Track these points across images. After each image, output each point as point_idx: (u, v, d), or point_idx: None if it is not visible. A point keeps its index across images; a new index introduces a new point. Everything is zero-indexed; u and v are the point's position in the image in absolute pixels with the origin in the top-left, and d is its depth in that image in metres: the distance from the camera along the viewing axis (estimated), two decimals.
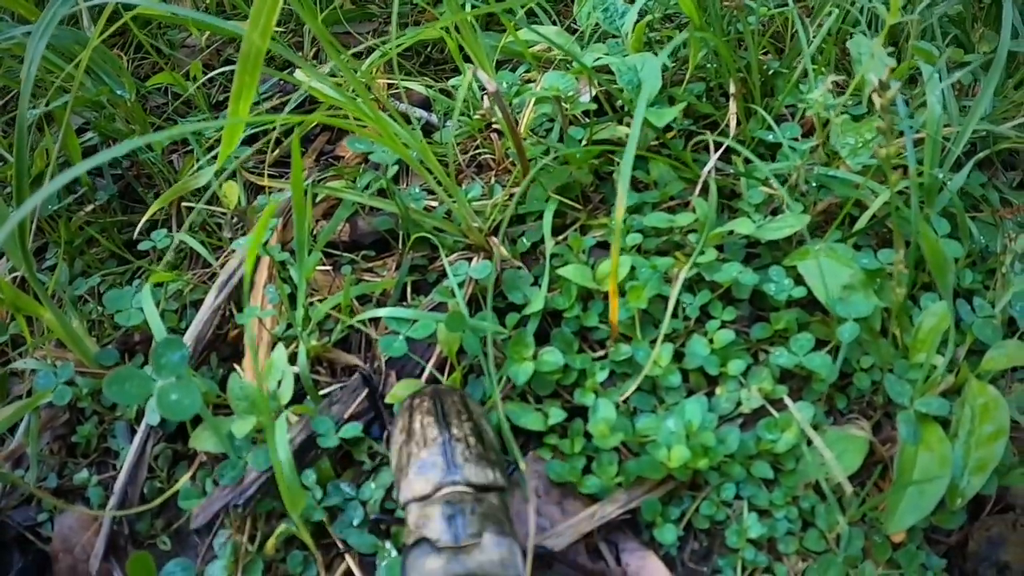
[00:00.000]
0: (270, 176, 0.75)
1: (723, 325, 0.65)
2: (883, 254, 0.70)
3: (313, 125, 0.81)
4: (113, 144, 0.79)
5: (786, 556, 0.60)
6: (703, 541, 0.60)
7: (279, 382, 0.59)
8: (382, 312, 0.59)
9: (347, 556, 0.57)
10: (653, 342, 0.62)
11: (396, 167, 0.71)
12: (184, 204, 0.74)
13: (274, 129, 0.72)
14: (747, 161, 0.76)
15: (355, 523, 0.57)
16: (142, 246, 0.72)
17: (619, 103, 0.79)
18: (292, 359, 0.62)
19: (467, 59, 0.75)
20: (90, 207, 0.78)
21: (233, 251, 0.71)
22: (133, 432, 0.67)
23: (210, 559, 0.60)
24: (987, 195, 0.80)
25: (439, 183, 0.63)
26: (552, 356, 0.59)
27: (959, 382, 0.67)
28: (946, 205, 0.73)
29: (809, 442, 0.61)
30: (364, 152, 0.70)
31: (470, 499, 0.48)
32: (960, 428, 0.63)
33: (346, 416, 0.59)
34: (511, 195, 0.69)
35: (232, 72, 0.85)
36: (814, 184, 0.73)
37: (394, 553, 0.56)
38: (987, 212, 0.79)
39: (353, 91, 0.59)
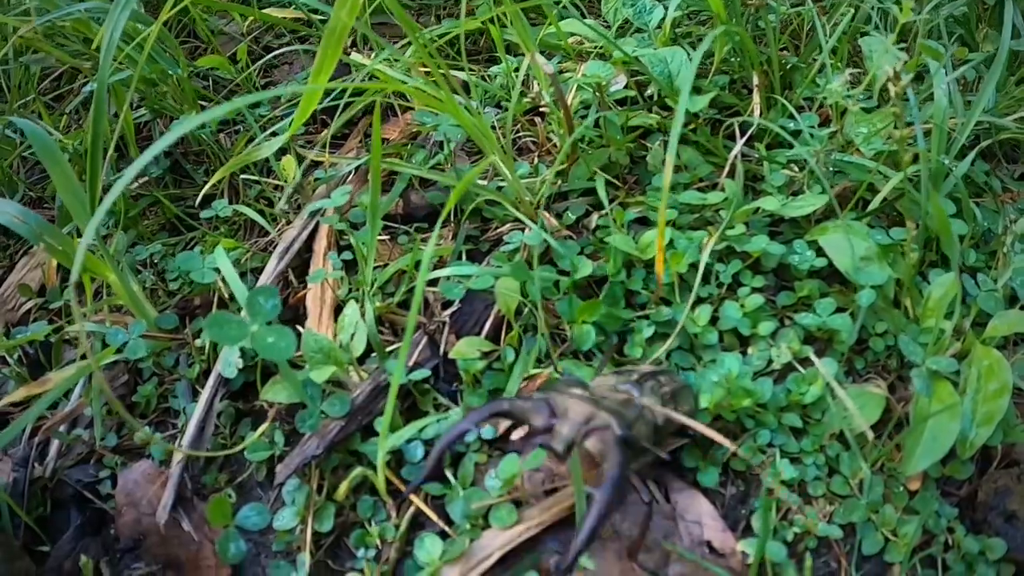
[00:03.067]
0: (320, 154, 0.86)
1: (752, 291, 0.77)
2: (894, 232, 0.83)
3: (357, 109, 0.93)
4: (163, 120, 0.90)
5: (815, 499, 0.72)
6: (741, 486, 0.72)
7: (352, 335, 0.70)
8: (446, 271, 0.70)
9: (416, 499, 0.67)
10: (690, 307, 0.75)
11: (451, 144, 0.83)
12: (241, 177, 0.85)
13: (337, 106, 0.84)
14: (769, 147, 0.89)
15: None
16: (204, 214, 0.82)
17: (649, 93, 0.92)
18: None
19: (507, 50, 0.88)
20: (142, 180, 0.88)
21: (290, 222, 0.82)
22: (195, 392, 0.77)
23: (279, 507, 0.69)
24: (990, 183, 0.95)
25: (494, 155, 0.75)
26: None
27: (965, 348, 0.80)
28: (951, 190, 0.87)
29: (833, 395, 0.73)
30: (422, 126, 0.81)
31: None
32: (967, 386, 0.76)
33: (410, 365, 0.70)
34: (558, 172, 0.81)
35: (272, 57, 0.97)
36: (831, 169, 0.87)
37: (462, 492, 0.66)
38: (989, 199, 0.94)
39: (422, 67, 0.71)
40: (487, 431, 0.67)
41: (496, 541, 0.64)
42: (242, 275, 0.80)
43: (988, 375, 0.76)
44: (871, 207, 0.84)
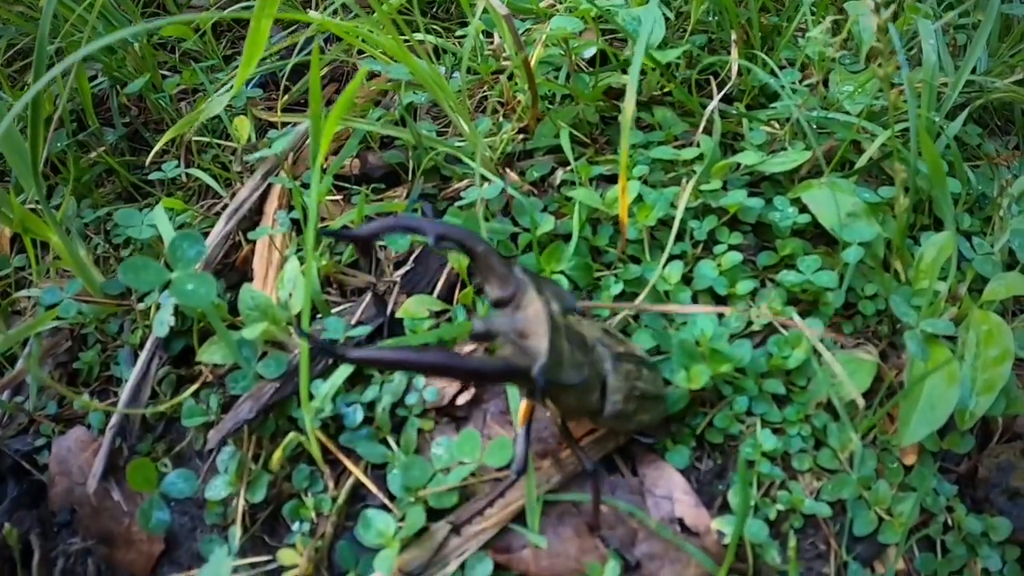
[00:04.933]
0: (274, 114, 0.77)
1: (730, 249, 0.66)
2: (883, 191, 0.72)
3: (320, 76, 0.84)
4: (123, 88, 0.81)
5: (801, 474, 0.60)
6: (717, 459, 0.60)
7: (290, 293, 0.59)
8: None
9: (354, 467, 0.56)
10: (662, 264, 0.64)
11: (408, 100, 0.73)
12: (195, 139, 0.76)
13: (301, 74, 0.74)
14: (749, 107, 0.78)
15: (365, 433, 0.57)
16: (153, 175, 0.73)
17: (625, 57, 0.82)
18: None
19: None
20: (99, 149, 0.78)
21: (241, 184, 0.72)
22: (137, 358, 0.67)
23: (212, 476, 0.59)
24: (983, 146, 0.83)
25: (452, 109, 0.65)
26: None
27: (961, 313, 0.68)
28: (943, 153, 0.76)
29: (820, 360, 0.61)
30: (377, 77, 0.72)
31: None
32: (966, 352, 0.64)
33: (353, 323, 0.59)
34: (521, 129, 0.71)
35: (239, 29, 0.88)
36: (815, 127, 0.76)
37: (403, 458, 0.55)
38: (983, 166, 0.82)
39: (378, 22, 0.61)
40: (430, 392, 0.56)
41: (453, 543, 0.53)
42: None
43: (988, 340, 0.64)
44: (858, 165, 0.73)
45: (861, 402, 0.59)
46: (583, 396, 0.49)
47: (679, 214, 0.62)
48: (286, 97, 0.79)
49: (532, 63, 0.69)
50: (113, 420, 0.61)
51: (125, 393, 0.62)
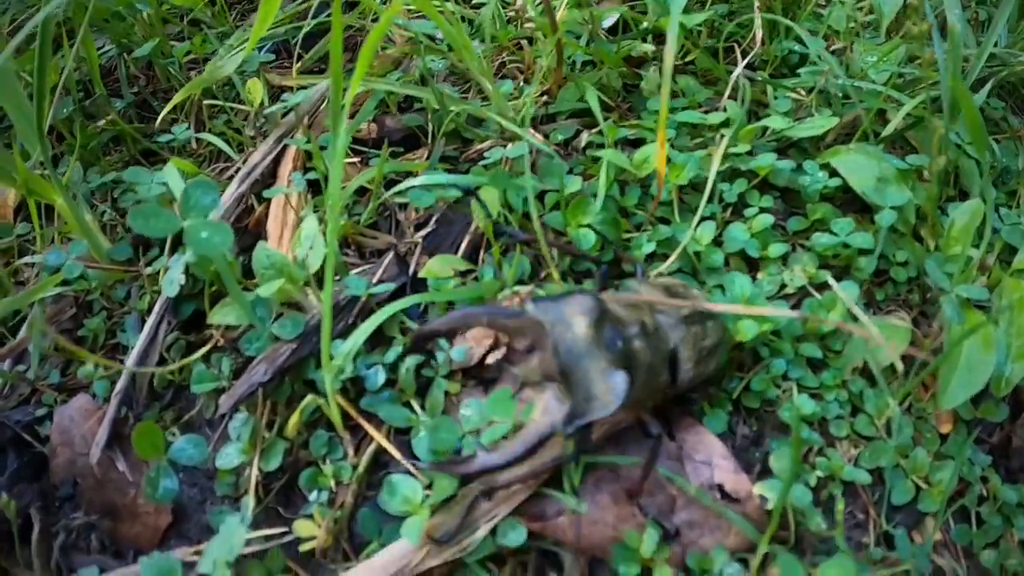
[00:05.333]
0: (288, 77, 0.73)
1: (760, 211, 0.63)
2: (910, 159, 0.69)
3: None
4: (130, 55, 0.77)
5: (839, 440, 0.57)
6: (753, 425, 0.57)
7: (308, 251, 0.56)
8: (416, 181, 0.57)
9: (376, 433, 0.53)
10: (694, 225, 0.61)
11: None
12: (206, 103, 0.72)
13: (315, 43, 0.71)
14: (773, 76, 0.76)
15: (388, 396, 0.53)
16: (162, 139, 0.69)
17: (644, 26, 0.79)
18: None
19: None
20: (107, 117, 0.75)
21: (254, 148, 0.68)
22: (144, 324, 0.63)
23: (223, 444, 0.55)
24: (1007, 119, 0.81)
25: (476, 70, 0.62)
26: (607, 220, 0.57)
27: (992, 282, 0.66)
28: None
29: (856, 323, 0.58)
30: (394, 45, 0.68)
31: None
32: (999, 318, 0.62)
33: (374, 281, 0.56)
34: (542, 93, 0.68)
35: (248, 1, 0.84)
36: (840, 94, 0.73)
37: (429, 421, 0.52)
38: (1006, 142, 0.80)
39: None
40: (458, 352, 0.53)
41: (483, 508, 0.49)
42: None
43: (1021, 308, 0.62)
44: (885, 132, 0.70)
45: (900, 366, 0.56)
46: (650, 382, 0.47)
47: (712, 175, 0.59)
48: (299, 64, 0.75)
49: (558, 22, 0.66)
50: (119, 385, 0.57)
51: (132, 357, 0.58)
